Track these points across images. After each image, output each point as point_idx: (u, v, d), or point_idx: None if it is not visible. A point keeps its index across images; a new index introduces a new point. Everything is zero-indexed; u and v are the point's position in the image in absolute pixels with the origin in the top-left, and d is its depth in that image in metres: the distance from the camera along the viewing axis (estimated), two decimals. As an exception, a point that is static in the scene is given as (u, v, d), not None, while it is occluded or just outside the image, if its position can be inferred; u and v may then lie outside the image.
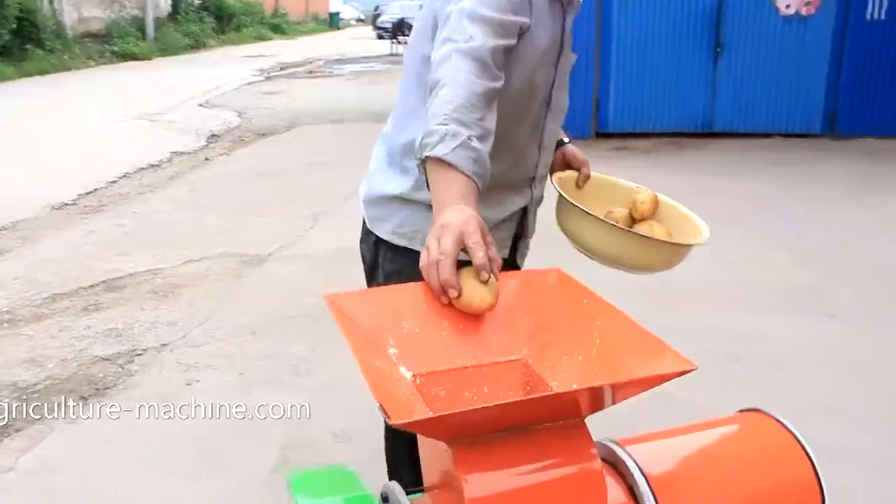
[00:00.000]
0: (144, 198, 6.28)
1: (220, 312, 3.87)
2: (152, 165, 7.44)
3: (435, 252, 1.15)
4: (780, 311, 3.84)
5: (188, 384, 3.15)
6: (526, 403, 0.89)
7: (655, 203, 1.71)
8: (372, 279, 1.73)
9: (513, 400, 0.88)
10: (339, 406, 2.98)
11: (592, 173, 1.78)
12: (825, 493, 1.18)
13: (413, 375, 1.12)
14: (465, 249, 1.15)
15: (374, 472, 2.58)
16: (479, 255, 1.14)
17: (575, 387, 0.97)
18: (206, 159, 7.84)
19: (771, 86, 8.15)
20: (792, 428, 1.21)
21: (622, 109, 8.35)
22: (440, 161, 1.24)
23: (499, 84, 1.34)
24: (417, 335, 1.16)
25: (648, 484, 1.08)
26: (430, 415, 0.87)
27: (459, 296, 1.14)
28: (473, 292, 1.15)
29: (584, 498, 1.00)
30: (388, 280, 1.66)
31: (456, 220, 1.17)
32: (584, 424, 1.02)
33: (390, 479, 1.95)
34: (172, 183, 6.81)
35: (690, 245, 1.59)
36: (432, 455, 1.06)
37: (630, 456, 1.11)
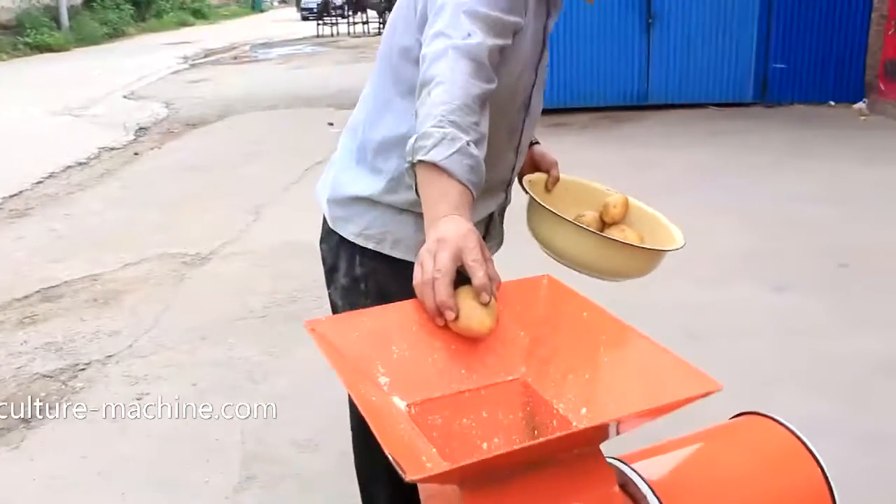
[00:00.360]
0: (74, 198, 6.01)
1: (165, 318, 3.72)
2: (80, 163, 7.13)
3: (430, 269, 1.06)
4: (730, 284, 3.86)
5: (138, 398, 3.00)
6: (549, 440, 0.82)
7: (626, 206, 1.65)
8: (332, 282, 1.63)
9: (535, 442, 0.81)
10: (300, 413, 2.88)
11: (561, 175, 1.71)
12: (835, 496, 1.15)
13: (407, 405, 1.04)
14: (461, 267, 1.07)
15: (344, 484, 2.51)
16: (479, 275, 1.06)
17: (601, 421, 0.90)
18: (136, 154, 7.56)
19: (703, 56, 8.24)
20: (797, 431, 1.18)
21: (556, 85, 8.32)
22: (434, 166, 1.15)
23: (493, 86, 1.26)
24: (408, 360, 1.08)
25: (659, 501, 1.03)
26: (448, 467, 0.79)
27: (456, 318, 1.06)
28: (472, 315, 1.07)
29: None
30: (355, 284, 1.58)
31: (453, 233, 1.08)
32: (600, 451, 0.96)
33: (362, 495, 1.86)
34: (103, 181, 6.54)
35: (665, 251, 1.54)
36: (435, 493, 0.99)
37: (639, 475, 1.06)
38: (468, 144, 1.17)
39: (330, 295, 1.65)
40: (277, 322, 3.67)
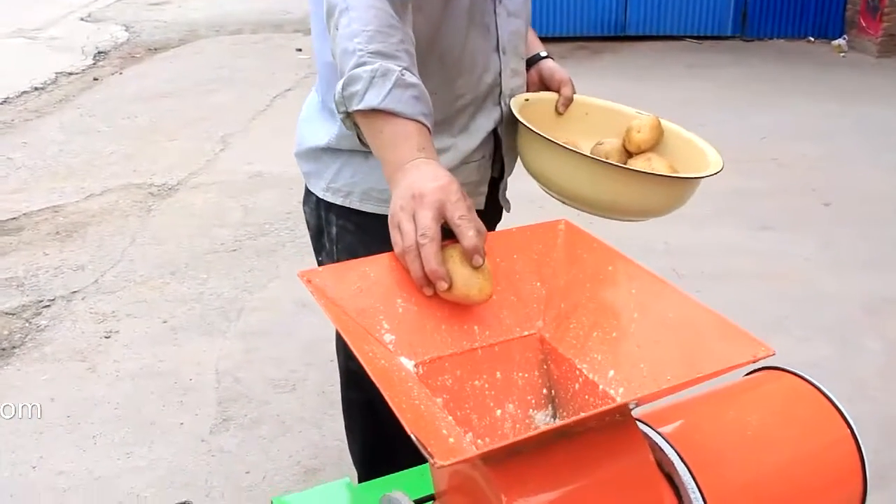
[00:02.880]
0: (32, 125, 5.73)
1: (132, 252, 3.57)
2: (36, 88, 6.79)
3: (412, 234, 0.93)
4: (715, 223, 3.80)
5: (106, 336, 2.88)
6: (589, 416, 0.73)
7: (656, 132, 1.38)
8: (320, 249, 1.48)
9: (575, 419, 0.72)
10: (275, 351, 2.80)
11: (581, 97, 1.47)
12: (864, 456, 1.09)
13: (415, 365, 0.95)
14: (444, 224, 0.95)
15: (324, 424, 2.45)
16: (469, 235, 0.93)
17: (642, 393, 0.81)
18: (96, 79, 7.22)
19: (682, -14, 8.05)
20: (824, 389, 1.11)
21: (534, 13, 8.08)
22: (376, 112, 1.01)
23: None
24: (415, 315, 0.98)
25: (690, 471, 0.95)
26: (478, 452, 0.69)
27: (450, 287, 0.94)
28: (469, 282, 0.94)
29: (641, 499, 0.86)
30: (336, 248, 1.42)
31: (429, 185, 0.94)
32: (632, 417, 0.87)
33: (349, 439, 1.77)
34: (61, 107, 6.24)
35: (683, 178, 1.29)
36: (449, 461, 0.90)
37: (666, 440, 0.98)
38: (402, 73, 1.01)
39: (320, 264, 1.49)
40: (249, 255, 3.55)
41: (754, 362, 0.80)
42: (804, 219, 3.84)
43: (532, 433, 0.70)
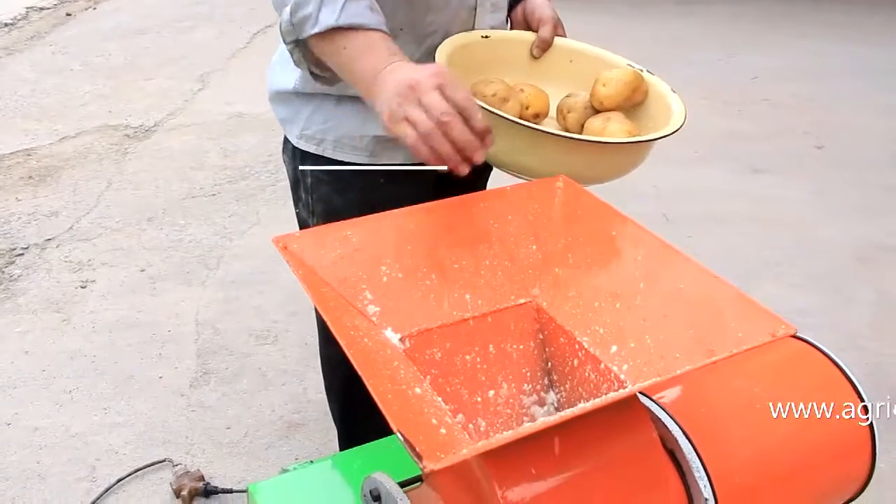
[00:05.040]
0: (2, 63, 5.51)
1: (108, 197, 3.45)
2: (6, 24, 6.54)
3: (427, 118, 0.86)
4: (706, 165, 3.72)
5: (82, 286, 2.79)
6: (597, 408, 0.66)
7: (627, 88, 1.20)
8: (297, 200, 1.39)
9: (578, 411, 0.65)
10: (257, 301, 2.73)
11: (564, 40, 1.32)
12: (873, 422, 1.05)
13: (401, 339, 0.87)
14: None
15: (307, 378, 2.39)
16: (479, 118, 0.88)
17: (654, 379, 0.74)
18: (69, 14, 6.96)
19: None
20: (836, 358, 1.06)
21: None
22: (335, 32, 0.94)
23: None
24: (401, 283, 0.90)
25: (695, 448, 0.89)
26: (473, 451, 0.62)
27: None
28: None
29: (645, 484, 0.80)
30: (311, 198, 1.33)
31: (420, 74, 0.88)
32: (636, 395, 0.81)
33: (329, 397, 1.70)
34: (33, 44, 6.02)
35: (612, 143, 1.11)
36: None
37: (668, 414, 0.91)
38: None
39: (298, 215, 1.41)
40: (229, 200, 3.45)
41: (773, 342, 0.73)
42: (796, 162, 3.77)
43: (532, 429, 0.63)
